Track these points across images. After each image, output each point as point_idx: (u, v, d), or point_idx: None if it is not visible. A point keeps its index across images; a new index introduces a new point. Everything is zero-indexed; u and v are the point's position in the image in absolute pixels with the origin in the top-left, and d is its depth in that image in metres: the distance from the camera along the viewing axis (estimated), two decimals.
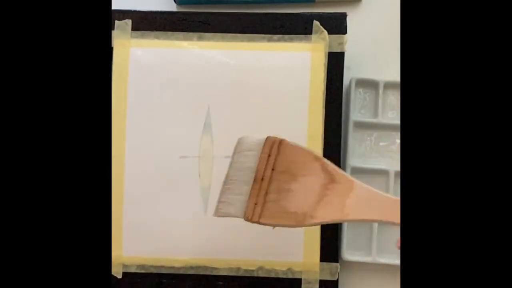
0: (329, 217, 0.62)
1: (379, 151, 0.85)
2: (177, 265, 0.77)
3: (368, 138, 0.85)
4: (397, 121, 0.84)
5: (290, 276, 0.77)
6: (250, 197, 0.63)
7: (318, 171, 0.62)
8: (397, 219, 0.58)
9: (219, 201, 0.65)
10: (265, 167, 0.63)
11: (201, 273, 0.78)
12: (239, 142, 0.65)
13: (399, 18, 0.55)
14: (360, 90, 0.85)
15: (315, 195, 0.62)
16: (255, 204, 0.63)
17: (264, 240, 0.77)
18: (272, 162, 0.63)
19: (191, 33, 0.79)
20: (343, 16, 0.78)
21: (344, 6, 0.86)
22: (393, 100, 0.85)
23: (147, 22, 0.79)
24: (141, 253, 0.78)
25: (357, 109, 0.85)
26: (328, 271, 0.77)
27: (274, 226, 0.63)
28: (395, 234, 0.80)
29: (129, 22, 0.79)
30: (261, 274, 0.77)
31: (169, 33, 0.79)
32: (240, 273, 0.77)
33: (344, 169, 0.81)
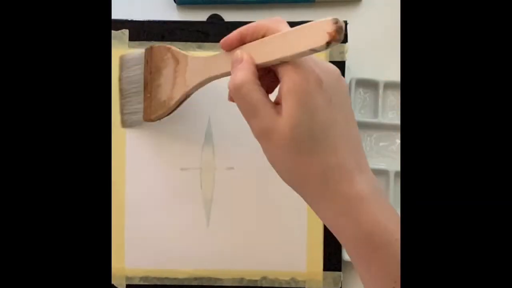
0: (179, 94, 0.70)
1: (379, 151, 0.85)
2: (180, 276, 0.78)
3: (368, 138, 0.85)
4: (397, 121, 0.84)
5: (293, 285, 0.78)
6: (144, 103, 0.75)
7: (170, 60, 0.71)
8: (224, 69, 0.63)
9: (123, 114, 0.77)
10: (146, 73, 0.74)
11: (205, 284, 0.79)
12: (123, 59, 0.77)
13: (399, 18, 0.56)
14: (360, 90, 0.86)
15: (171, 80, 0.71)
16: (147, 107, 0.75)
17: (267, 250, 0.79)
18: (149, 67, 0.74)
19: (189, 43, 0.79)
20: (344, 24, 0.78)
21: (344, 6, 0.87)
22: (393, 100, 0.85)
23: (144, 32, 0.79)
24: (144, 265, 0.79)
25: (357, 109, 0.85)
26: (331, 280, 0.78)
27: (158, 119, 0.75)
28: None
29: (126, 32, 0.79)
30: (265, 284, 0.78)
31: (167, 43, 0.78)
32: (243, 284, 0.79)
33: None
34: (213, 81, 0.76)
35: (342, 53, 0.78)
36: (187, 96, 0.70)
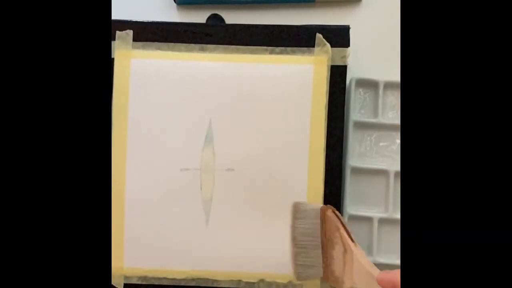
0: (348, 284, 0.71)
1: (379, 151, 0.88)
2: (178, 277, 0.80)
3: (368, 138, 0.88)
4: (397, 121, 0.87)
5: None
6: (323, 260, 0.75)
7: (339, 241, 0.72)
8: None
9: (297, 265, 0.76)
10: (322, 235, 0.74)
11: (202, 285, 0.81)
12: (297, 209, 0.76)
13: (399, 18, 0.58)
14: (360, 90, 0.88)
15: (341, 263, 0.72)
16: (327, 267, 0.75)
17: (265, 252, 0.80)
18: (323, 231, 0.74)
19: (193, 45, 0.81)
20: (346, 29, 0.80)
21: (344, 6, 0.89)
22: (393, 100, 0.88)
23: (148, 33, 0.81)
24: (142, 264, 0.81)
25: (357, 109, 0.88)
26: (329, 284, 0.79)
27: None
28: (395, 234, 0.85)
29: (130, 32, 0.81)
30: (262, 286, 0.80)
31: (171, 44, 0.81)
32: (241, 286, 0.81)
33: (344, 169, 0.85)
34: (215, 83, 0.80)
35: (344, 57, 0.80)
36: None
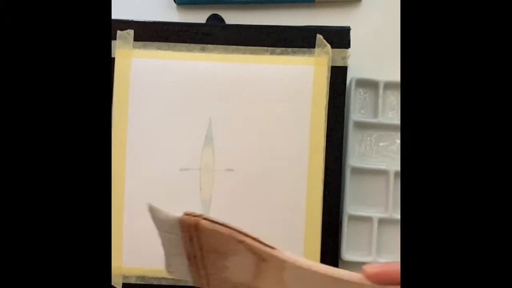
0: (269, 287, 0.65)
1: (379, 151, 0.89)
2: None
3: (368, 138, 0.89)
4: (397, 121, 0.88)
5: None
6: (191, 270, 0.66)
7: (245, 252, 0.62)
8: None
9: (167, 264, 0.68)
10: (192, 248, 0.64)
11: None
12: (152, 215, 0.64)
13: (399, 18, 0.59)
14: (360, 90, 0.89)
15: (251, 270, 0.64)
16: (199, 275, 0.67)
17: None
18: (196, 244, 0.63)
19: (193, 45, 0.82)
20: (347, 30, 0.81)
21: (344, 6, 0.90)
22: (393, 100, 0.89)
23: (149, 33, 0.82)
24: (141, 264, 0.82)
25: (357, 109, 0.89)
26: None
27: None
28: (395, 234, 0.87)
29: (131, 32, 0.82)
30: None
31: (171, 44, 0.82)
32: None
33: (344, 169, 0.86)
34: (215, 83, 0.82)
35: (345, 58, 0.81)
36: None
